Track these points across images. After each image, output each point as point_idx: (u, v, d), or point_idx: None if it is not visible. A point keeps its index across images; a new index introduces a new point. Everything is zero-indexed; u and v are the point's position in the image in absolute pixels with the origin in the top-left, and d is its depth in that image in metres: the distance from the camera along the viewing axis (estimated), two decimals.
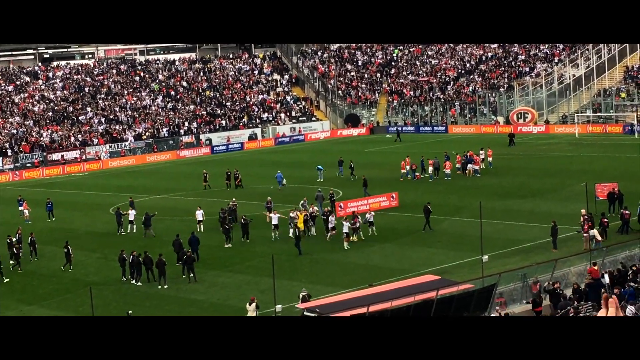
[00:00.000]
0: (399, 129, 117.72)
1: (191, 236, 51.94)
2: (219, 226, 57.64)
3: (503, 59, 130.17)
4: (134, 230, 60.07)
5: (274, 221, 55.67)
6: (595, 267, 40.69)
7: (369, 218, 54.44)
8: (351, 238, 53.23)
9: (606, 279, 39.29)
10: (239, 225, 56.02)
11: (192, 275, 47.42)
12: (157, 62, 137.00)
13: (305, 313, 38.63)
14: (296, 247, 51.44)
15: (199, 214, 59.21)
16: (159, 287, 46.59)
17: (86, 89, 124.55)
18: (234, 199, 63.77)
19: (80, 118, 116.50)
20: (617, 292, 33.92)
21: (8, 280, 49.40)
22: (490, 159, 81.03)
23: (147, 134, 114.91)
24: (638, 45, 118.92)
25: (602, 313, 3.96)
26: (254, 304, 38.98)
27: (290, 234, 54.56)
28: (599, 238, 46.22)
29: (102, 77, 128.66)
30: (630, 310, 28.97)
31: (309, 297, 40.71)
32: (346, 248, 51.92)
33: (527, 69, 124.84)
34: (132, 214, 61.30)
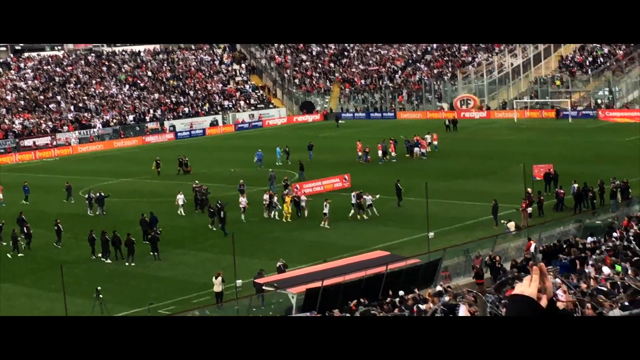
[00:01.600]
0: (338, 115, 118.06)
1: (151, 216, 52.03)
2: (194, 207, 57.82)
3: (447, 49, 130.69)
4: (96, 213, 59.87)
5: (243, 204, 55.54)
6: (532, 242, 41.19)
7: (369, 200, 54.41)
8: (358, 216, 53.77)
9: (531, 249, 39.84)
10: (215, 208, 55.13)
11: (156, 253, 47.37)
12: (123, 53, 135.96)
13: (264, 287, 38.79)
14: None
15: (180, 198, 58.78)
16: (127, 264, 46.52)
17: (56, 79, 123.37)
18: (198, 183, 63.53)
19: (50, 106, 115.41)
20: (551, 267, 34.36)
21: None
22: (435, 142, 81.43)
23: (114, 121, 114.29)
24: None
25: (526, 279, 4.03)
26: (219, 278, 39.17)
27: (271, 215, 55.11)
28: (513, 229, 46.46)
29: (71, 68, 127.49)
30: (558, 281, 29.39)
31: (285, 267, 41.15)
32: (326, 227, 52.01)
33: (470, 59, 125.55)
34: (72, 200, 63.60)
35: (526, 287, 4.10)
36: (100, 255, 48.08)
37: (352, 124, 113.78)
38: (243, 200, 55.76)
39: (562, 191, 53.06)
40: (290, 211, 54.54)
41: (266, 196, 56.39)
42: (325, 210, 52.55)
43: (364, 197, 54.51)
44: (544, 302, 4.08)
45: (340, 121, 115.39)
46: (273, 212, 55.52)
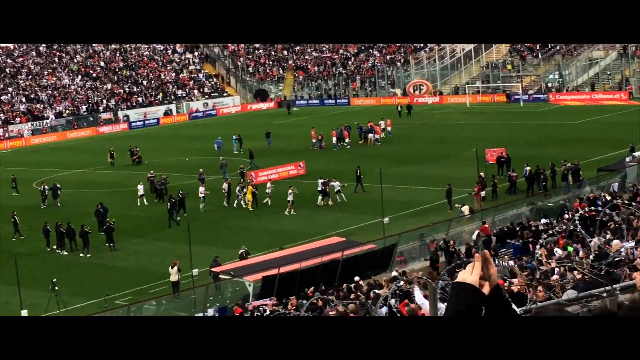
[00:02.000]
0: (290, 102, 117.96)
1: (100, 206, 51.82)
2: (154, 197, 57.44)
3: None
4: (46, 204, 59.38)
5: (203, 193, 55.23)
6: (486, 225, 41.50)
7: (337, 187, 54.30)
8: (324, 202, 53.70)
9: (473, 236, 40.16)
10: (176, 198, 54.24)
11: (112, 244, 47.09)
12: (75, 43, 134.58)
13: (221, 276, 38.76)
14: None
15: (140, 189, 58.23)
16: (82, 255, 46.21)
17: (7, 70, 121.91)
18: (153, 173, 63.16)
19: (2, 98, 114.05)
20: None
21: None
22: (389, 128, 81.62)
23: (67, 112, 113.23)
24: None
25: (469, 267, 4.03)
26: (175, 268, 38.98)
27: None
28: (467, 213, 46.82)
29: (22, 59, 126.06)
30: (512, 263, 29.65)
31: (247, 254, 41.19)
32: (292, 214, 51.94)
33: (422, 45, 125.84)
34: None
35: (468, 274, 4.08)
36: (55, 247, 47.70)
37: (306, 111, 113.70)
38: (202, 190, 55.50)
39: (514, 174, 53.50)
40: (250, 199, 54.35)
41: (225, 185, 56.16)
42: (290, 198, 52.45)
43: (332, 183, 54.42)
44: (486, 290, 4.07)
45: (294, 108, 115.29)
46: (237, 201, 55.18)
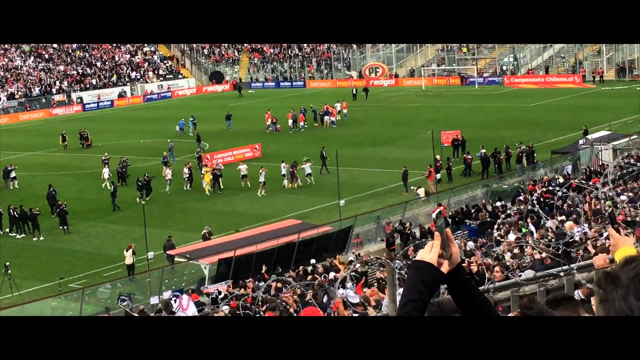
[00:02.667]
0: (241, 85, 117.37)
1: (52, 189, 51.43)
2: (117, 180, 56.79)
3: None
4: None
5: (169, 176, 54.83)
6: (442, 208, 41.62)
7: (308, 169, 53.93)
8: (291, 184, 53.34)
9: (433, 215, 40.28)
10: (142, 182, 53.54)
11: (65, 227, 46.64)
12: None
13: (177, 259, 38.57)
14: None
15: (105, 172, 57.42)
16: (34, 239, 45.73)
17: None
18: (105, 155, 62.61)
19: None
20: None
21: None
22: (345, 111, 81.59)
23: (19, 93, 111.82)
24: None
25: (428, 245, 3.98)
26: (130, 250, 38.72)
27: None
28: (422, 195, 46.97)
29: None
30: (470, 245, 29.79)
31: (210, 234, 41.07)
32: (260, 195, 51.63)
33: None
34: None
35: (426, 252, 4.06)
36: (8, 230, 47.16)
37: (261, 93, 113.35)
38: (169, 172, 55.06)
39: (469, 157, 53.75)
40: (208, 182, 53.89)
41: (186, 169, 55.61)
42: (262, 179, 52.09)
43: (302, 166, 54.00)
44: (444, 268, 4.04)
45: (250, 91, 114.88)
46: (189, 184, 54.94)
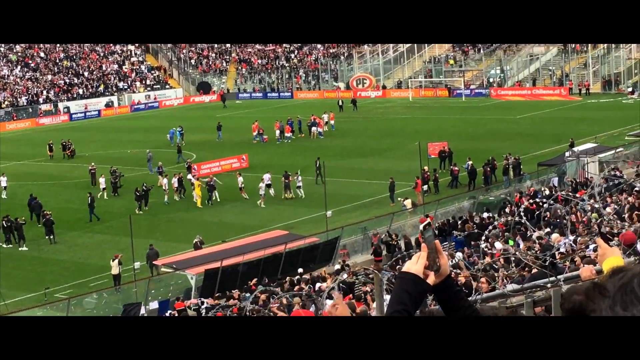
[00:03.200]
0: (225, 95, 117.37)
1: (31, 198, 51.39)
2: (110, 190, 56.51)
3: None
4: None
5: (165, 186, 54.63)
6: (429, 219, 41.72)
7: (298, 182, 53.57)
8: (285, 195, 53.26)
9: (420, 227, 40.27)
10: (141, 192, 53.28)
11: (52, 236, 46.49)
12: None
13: (163, 269, 38.50)
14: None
15: (102, 181, 56.94)
16: (20, 249, 45.56)
17: None
18: (92, 164, 62.47)
19: None
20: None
21: None
22: (332, 122, 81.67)
23: (6, 102, 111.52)
24: None
25: (415, 256, 3.98)
26: (117, 260, 38.66)
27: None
28: (409, 206, 47.02)
29: None
30: (458, 256, 29.84)
31: (202, 243, 41.08)
32: (261, 206, 51.31)
33: None
34: None
35: (413, 264, 4.06)
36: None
37: (249, 104, 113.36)
38: (165, 182, 54.90)
39: (456, 168, 53.85)
40: (200, 194, 53.41)
41: (175, 180, 55.44)
42: (262, 192, 51.83)
43: (293, 178, 53.82)
44: (431, 280, 4.04)
45: (237, 101, 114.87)
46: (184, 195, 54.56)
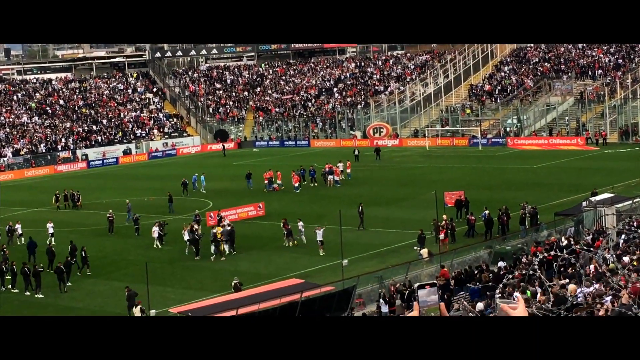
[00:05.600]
0: (223, 144, 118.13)
1: (29, 241, 51.52)
2: (154, 241, 55.67)
3: (360, 78, 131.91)
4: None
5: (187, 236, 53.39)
6: (445, 269, 41.59)
7: (319, 236, 51.45)
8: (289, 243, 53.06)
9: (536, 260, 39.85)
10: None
11: (67, 283, 46.40)
12: (34, 81, 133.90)
13: (179, 316, 38.42)
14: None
15: (155, 231, 55.82)
16: (36, 296, 45.58)
17: None
18: (110, 212, 62.67)
19: None
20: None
21: None
22: (349, 170, 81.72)
23: (25, 150, 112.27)
24: (481, 65, 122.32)
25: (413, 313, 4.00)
26: (138, 307, 38.84)
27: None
28: (425, 255, 46.86)
29: None
30: (479, 305, 29.70)
31: (241, 284, 41.16)
32: (322, 254, 50.92)
33: (382, 88, 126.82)
34: None
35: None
36: (10, 286, 47.04)
37: (266, 151, 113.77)
38: (197, 228, 54.25)
39: (473, 217, 53.72)
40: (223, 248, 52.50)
41: (156, 228, 55.15)
42: (320, 238, 51.15)
43: (297, 224, 53.47)
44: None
45: (254, 149, 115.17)
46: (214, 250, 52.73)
